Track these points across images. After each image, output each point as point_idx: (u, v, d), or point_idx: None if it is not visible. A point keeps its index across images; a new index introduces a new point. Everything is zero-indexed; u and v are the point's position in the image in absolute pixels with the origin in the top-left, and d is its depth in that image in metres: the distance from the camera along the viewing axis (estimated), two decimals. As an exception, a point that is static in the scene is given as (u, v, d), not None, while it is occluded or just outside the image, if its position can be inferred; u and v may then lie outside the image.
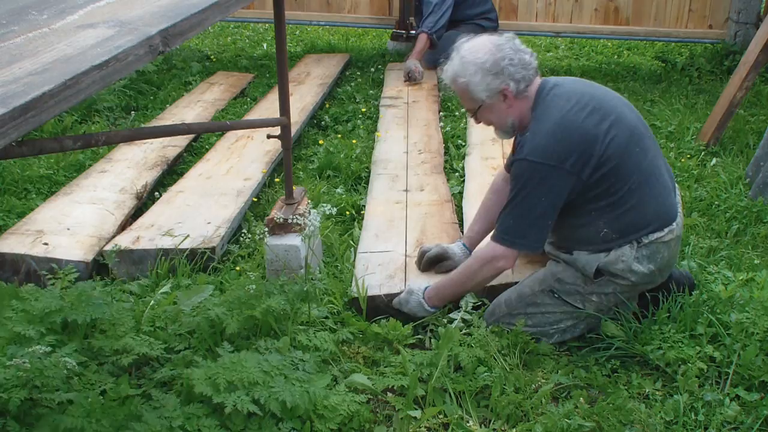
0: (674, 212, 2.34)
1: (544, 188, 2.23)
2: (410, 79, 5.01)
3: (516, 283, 2.54)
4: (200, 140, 4.20)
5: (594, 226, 2.29)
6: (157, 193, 3.45)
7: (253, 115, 4.45)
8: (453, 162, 3.88)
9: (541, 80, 2.35)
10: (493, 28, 5.14)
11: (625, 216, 2.27)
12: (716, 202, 3.33)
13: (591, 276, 2.32)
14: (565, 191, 2.23)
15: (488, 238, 2.46)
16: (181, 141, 4.00)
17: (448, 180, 3.58)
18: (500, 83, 2.27)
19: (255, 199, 3.44)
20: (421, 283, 2.54)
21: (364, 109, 4.66)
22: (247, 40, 6.65)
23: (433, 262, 2.68)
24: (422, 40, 5.09)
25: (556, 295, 2.38)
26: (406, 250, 2.85)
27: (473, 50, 2.29)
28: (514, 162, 2.31)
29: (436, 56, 5.18)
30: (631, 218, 2.27)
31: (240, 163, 3.71)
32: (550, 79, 2.37)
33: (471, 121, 4.29)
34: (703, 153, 3.89)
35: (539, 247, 2.34)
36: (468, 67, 2.28)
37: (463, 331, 2.41)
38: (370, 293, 2.55)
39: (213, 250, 2.85)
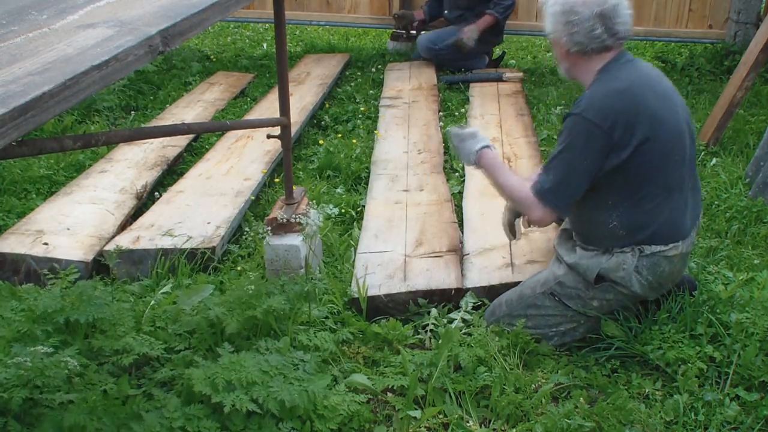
0: (684, 231, 2.30)
1: (589, 148, 2.18)
2: (464, 41, 5.16)
3: (516, 283, 2.54)
4: (200, 140, 4.20)
5: (607, 216, 2.27)
6: (157, 193, 3.45)
7: (253, 115, 4.45)
8: (453, 162, 3.88)
9: (621, 51, 2.30)
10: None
11: (638, 216, 2.25)
12: (716, 202, 3.33)
13: (592, 281, 2.31)
14: (602, 161, 2.19)
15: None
16: (181, 141, 4.00)
17: (447, 180, 3.58)
18: (558, 33, 2.27)
19: (255, 200, 3.44)
20: (487, 141, 2.49)
21: (364, 109, 4.66)
22: (247, 40, 6.64)
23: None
24: (488, 20, 5.21)
25: (556, 298, 2.38)
26: (405, 250, 2.85)
27: None
28: (568, 116, 2.25)
29: (432, 44, 5.27)
30: (642, 220, 2.25)
31: (240, 163, 3.71)
32: (629, 54, 2.33)
33: (471, 121, 4.31)
34: (703, 153, 3.89)
35: (565, 209, 2.28)
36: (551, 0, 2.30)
37: (463, 331, 2.41)
38: (370, 293, 2.55)
39: (213, 250, 2.85)
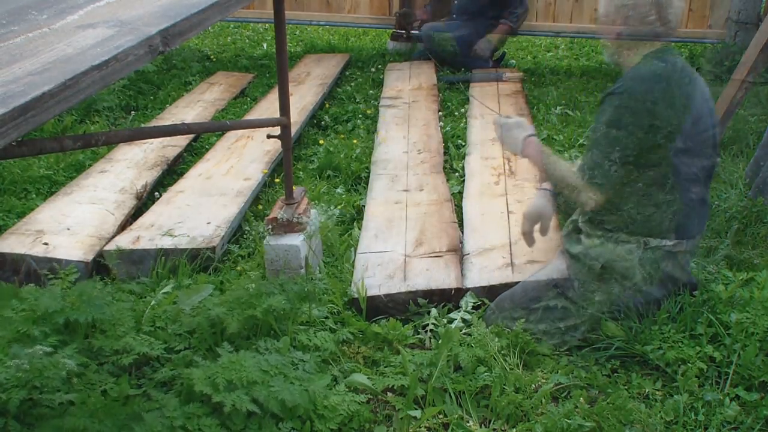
0: (691, 231, 2.32)
1: (629, 127, 2.18)
2: (478, 53, 5.31)
3: (516, 283, 2.54)
4: (200, 140, 4.20)
5: (621, 200, 2.28)
6: (157, 193, 3.45)
7: (253, 115, 4.45)
8: (453, 162, 3.88)
9: (666, 46, 2.30)
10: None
11: (650, 206, 2.26)
12: (716, 202, 3.33)
13: (596, 271, 2.32)
14: (640, 140, 2.18)
15: None
16: (181, 141, 4.00)
17: (447, 180, 3.58)
18: (612, 15, 2.28)
19: (255, 200, 3.44)
20: (532, 130, 2.50)
21: (364, 109, 4.66)
22: (247, 40, 6.64)
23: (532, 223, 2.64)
24: (503, 29, 5.36)
25: (559, 291, 2.38)
26: (405, 250, 2.85)
27: None
28: (608, 95, 2.24)
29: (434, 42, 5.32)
30: (653, 210, 2.27)
31: (240, 163, 3.71)
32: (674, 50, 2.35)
33: (471, 121, 4.31)
34: (703, 153, 3.89)
35: (610, 187, 2.26)
36: None
37: (463, 331, 2.41)
38: (369, 293, 2.55)
39: (213, 250, 2.85)
